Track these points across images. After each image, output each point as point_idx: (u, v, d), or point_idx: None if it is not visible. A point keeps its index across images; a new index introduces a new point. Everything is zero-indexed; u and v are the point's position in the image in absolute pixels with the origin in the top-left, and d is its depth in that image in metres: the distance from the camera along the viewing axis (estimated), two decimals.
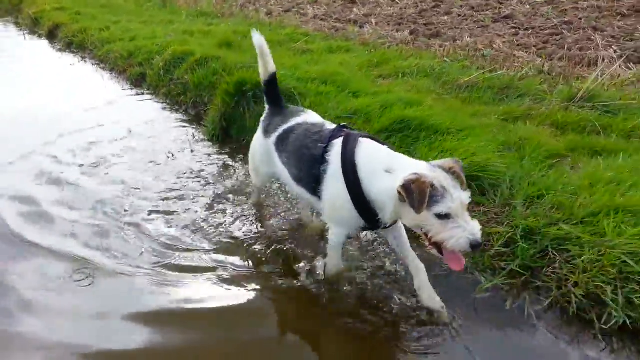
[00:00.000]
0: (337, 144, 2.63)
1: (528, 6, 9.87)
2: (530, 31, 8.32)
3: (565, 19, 8.74)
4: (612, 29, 8.18)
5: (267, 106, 3.22)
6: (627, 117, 4.45)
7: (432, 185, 2.25)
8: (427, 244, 2.42)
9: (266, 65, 3.04)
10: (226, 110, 4.93)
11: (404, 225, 2.74)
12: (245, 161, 4.63)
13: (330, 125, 2.85)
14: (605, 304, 2.55)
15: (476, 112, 4.85)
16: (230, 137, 5.00)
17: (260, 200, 3.83)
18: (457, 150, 3.67)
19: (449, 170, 2.36)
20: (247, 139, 4.85)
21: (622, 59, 6.25)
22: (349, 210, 2.56)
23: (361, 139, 2.62)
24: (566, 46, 7.23)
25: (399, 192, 2.31)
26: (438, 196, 2.25)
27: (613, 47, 7.19)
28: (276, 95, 3.15)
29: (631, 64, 6.52)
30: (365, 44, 7.69)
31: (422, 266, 2.71)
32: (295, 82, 5.03)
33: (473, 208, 3.28)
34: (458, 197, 2.27)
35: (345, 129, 2.75)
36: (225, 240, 3.47)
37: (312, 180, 2.69)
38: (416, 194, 2.22)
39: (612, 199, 3.02)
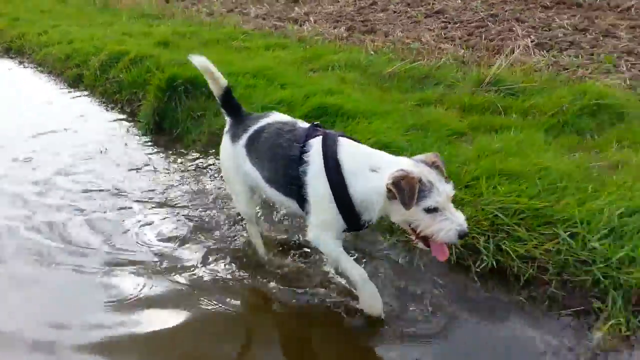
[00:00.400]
0: (316, 143, 2.61)
1: (459, 1, 10.49)
2: (458, 24, 8.92)
3: (492, 12, 9.40)
4: (534, 19, 8.89)
5: (228, 118, 3.15)
6: (526, 98, 4.99)
7: (420, 181, 2.32)
8: (413, 238, 2.51)
9: (217, 81, 3.00)
10: (159, 105, 5.18)
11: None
12: (176, 153, 4.92)
13: (302, 124, 2.85)
14: (480, 251, 2.99)
15: (394, 99, 5.30)
16: (163, 130, 5.26)
17: (260, 229, 3.40)
18: (367, 131, 4.08)
19: (432, 165, 2.43)
20: (179, 131, 5.16)
21: (528, 45, 6.86)
22: (331, 212, 2.57)
23: (340, 138, 2.64)
24: (486, 37, 7.85)
25: (389, 189, 2.35)
26: (426, 191, 2.32)
27: (531, 36, 7.86)
28: (235, 106, 3.09)
29: (544, 51, 7.17)
30: (302, 40, 8.06)
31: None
32: (226, 77, 5.32)
33: None
34: (444, 190, 2.36)
35: (319, 128, 2.76)
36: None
37: (289, 182, 2.66)
38: (406, 190, 2.28)
39: (492, 166, 3.48)
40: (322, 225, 2.65)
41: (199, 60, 2.96)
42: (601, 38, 7.69)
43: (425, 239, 2.44)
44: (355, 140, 2.74)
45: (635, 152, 3.77)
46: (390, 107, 4.90)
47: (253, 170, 2.91)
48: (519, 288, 2.87)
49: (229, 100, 3.06)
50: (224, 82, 3.02)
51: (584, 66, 6.30)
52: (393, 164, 2.44)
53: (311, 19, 9.81)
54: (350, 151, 2.57)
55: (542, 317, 2.71)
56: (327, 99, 4.67)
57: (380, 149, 3.78)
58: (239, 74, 5.58)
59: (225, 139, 3.11)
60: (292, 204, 2.76)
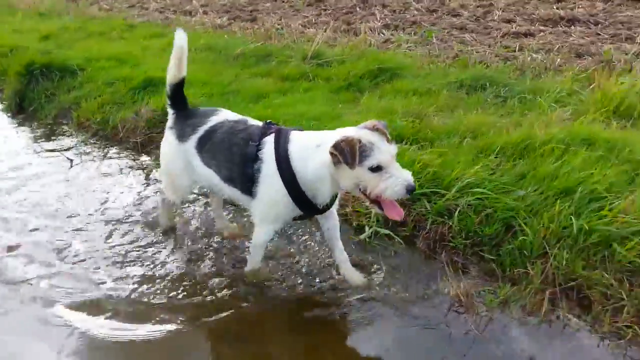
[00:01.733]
0: (269, 141, 2.73)
1: None
2: (330, 11, 10.09)
3: None
4: (397, 4, 10.16)
5: (171, 111, 3.15)
6: (335, 67, 6.13)
7: (360, 141, 2.45)
8: (367, 203, 2.66)
9: (180, 67, 2.98)
10: (19, 88, 6.06)
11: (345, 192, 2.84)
12: (33, 126, 5.81)
13: (253, 121, 2.97)
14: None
15: (237, 74, 6.36)
16: (24, 109, 6.14)
17: (172, 222, 3.69)
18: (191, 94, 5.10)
19: (373, 128, 2.57)
20: (35, 108, 6.05)
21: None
22: (285, 204, 2.72)
23: (292, 133, 2.75)
24: (345, 20, 9.02)
25: (332, 154, 2.49)
26: (367, 151, 2.45)
27: (387, 18, 9.10)
28: (183, 98, 3.12)
29: (392, 30, 8.40)
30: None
31: (345, 256, 3.07)
32: (81, 60, 6.28)
33: None
34: (386, 150, 2.51)
35: (272, 125, 2.86)
36: None
37: (246, 180, 2.77)
38: (346, 149, 2.42)
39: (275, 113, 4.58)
40: (273, 218, 2.83)
41: (180, 36, 2.93)
42: (445, 17, 9.01)
43: (378, 203, 2.59)
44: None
45: (381, 98, 4.97)
46: (223, 78, 5.96)
47: (206, 170, 2.98)
48: None
49: (179, 92, 3.08)
50: (184, 71, 3.02)
51: (412, 41, 7.55)
52: (334, 136, 2.56)
53: (200, 10, 10.77)
54: (299, 142, 2.69)
55: None
56: (158, 73, 5.66)
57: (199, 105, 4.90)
58: (97, 59, 6.52)
59: (170, 136, 3.13)
60: (247, 202, 2.90)
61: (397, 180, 2.47)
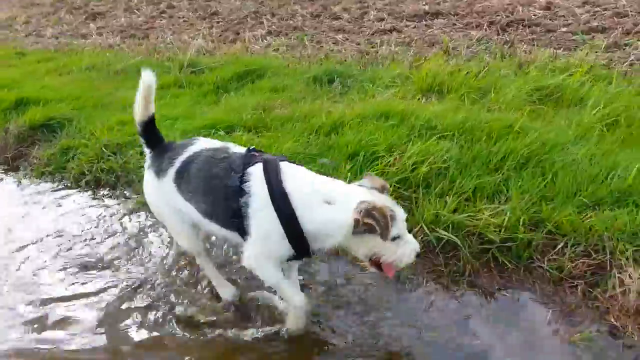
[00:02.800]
0: (255, 172, 2.56)
1: (238, 2, 12.33)
2: (222, 23, 10.72)
3: (254, 10, 11.31)
4: (286, 12, 10.93)
5: (148, 151, 3.00)
6: (207, 74, 6.73)
7: (391, 211, 2.39)
8: (368, 267, 2.59)
9: (147, 106, 2.85)
10: None
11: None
12: None
13: (236, 148, 2.80)
14: None
15: (117, 87, 6.82)
16: None
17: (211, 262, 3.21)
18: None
19: (383, 190, 2.53)
20: None
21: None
22: (279, 243, 2.55)
23: (282, 164, 2.60)
24: (231, 29, 9.67)
25: (362, 223, 2.36)
26: (392, 220, 2.38)
27: (274, 25, 9.82)
28: (157, 135, 2.97)
29: (274, 37, 9.10)
30: (75, 52, 9.35)
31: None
32: None
33: None
34: (402, 216, 2.47)
35: (255, 152, 2.72)
36: None
37: (231, 215, 2.58)
38: (381, 220, 2.32)
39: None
40: (267, 254, 2.63)
41: (149, 76, 2.79)
42: (326, 20, 9.84)
43: (378, 264, 2.54)
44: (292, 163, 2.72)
45: (243, 97, 5.63)
46: (99, 93, 6.45)
47: (187, 206, 2.80)
48: None
49: (152, 129, 2.93)
50: (153, 108, 2.89)
51: (290, 45, 8.29)
52: (348, 196, 2.46)
53: (94, 33, 11.11)
54: (296, 181, 2.54)
55: None
56: (34, 93, 6.08)
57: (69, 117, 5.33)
58: None
59: (149, 176, 2.98)
60: (235, 237, 2.72)
61: (410, 246, 2.49)
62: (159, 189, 2.90)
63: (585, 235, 3.07)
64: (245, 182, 2.54)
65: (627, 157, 3.54)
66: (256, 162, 2.59)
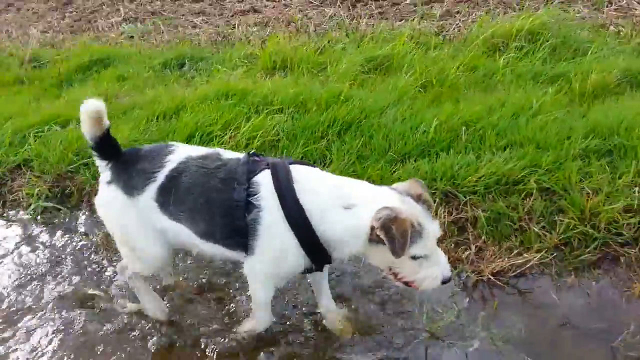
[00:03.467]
0: (263, 182, 2.28)
1: None
2: (75, 12, 10.18)
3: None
4: None
5: (103, 163, 2.56)
6: (51, 67, 6.42)
7: (412, 226, 2.10)
8: (393, 281, 2.35)
9: (101, 122, 2.43)
10: None
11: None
12: None
13: (229, 154, 2.48)
14: None
15: None
16: None
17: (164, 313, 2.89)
18: None
19: (419, 199, 2.23)
20: None
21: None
22: (296, 258, 2.31)
23: (294, 169, 2.32)
24: (84, 19, 9.24)
25: (377, 233, 2.11)
26: (415, 236, 2.11)
27: (131, 12, 9.50)
28: (115, 146, 2.56)
29: (130, 23, 8.82)
30: None
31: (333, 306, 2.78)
32: None
33: None
34: (433, 233, 2.19)
35: (257, 157, 2.42)
36: None
37: (236, 234, 2.30)
38: (397, 236, 2.05)
39: None
40: (275, 274, 2.43)
41: (96, 105, 2.39)
42: (186, 4, 9.70)
43: (406, 282, 2.32)
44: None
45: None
46: None
47: (175, 227, 2.47)
48: None
49: (108, 141, 2.51)
50: (107, 121, 2.47)
51: (146, 31, 8.10)
52: (371, 199, 2.20)
53: None
54: (311, 186, 2.27)
55: None
56: None
57: None
58: None
59: (112, 192, 2.53)
60: (237, 256, 2.45)
61: (436, 271, 2.23)
62: (130, 208, 2.50)
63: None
64: (253, 194, 2.26)
65: (433, 113, 4.01)
66: (262, 170, 2.32)
